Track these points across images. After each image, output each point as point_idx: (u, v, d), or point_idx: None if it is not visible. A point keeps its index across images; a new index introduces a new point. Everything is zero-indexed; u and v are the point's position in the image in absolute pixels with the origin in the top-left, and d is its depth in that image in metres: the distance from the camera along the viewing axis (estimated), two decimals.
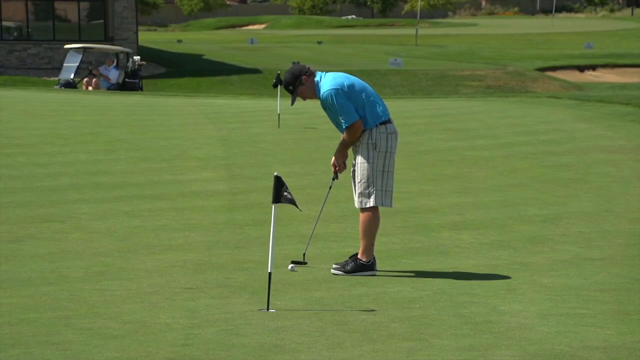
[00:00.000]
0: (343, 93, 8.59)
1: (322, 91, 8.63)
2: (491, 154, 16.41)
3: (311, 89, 8.70)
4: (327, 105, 8.65)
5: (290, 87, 8.71)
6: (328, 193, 9.09)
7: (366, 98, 8.67)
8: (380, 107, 8.72)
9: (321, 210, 9.19)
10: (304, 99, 8.81)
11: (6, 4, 40.06)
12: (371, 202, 8.70)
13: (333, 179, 8.94)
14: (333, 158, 8.86)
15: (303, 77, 8.68)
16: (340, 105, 8.56)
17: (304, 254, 8.81)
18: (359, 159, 8.71)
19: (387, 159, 8.72)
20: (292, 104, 8.88)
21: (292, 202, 7.50)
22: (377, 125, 8.68)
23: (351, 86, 8.66)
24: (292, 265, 8.14)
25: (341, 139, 8.80)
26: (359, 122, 8.59)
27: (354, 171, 8.79)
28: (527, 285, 8.35)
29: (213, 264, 8.99)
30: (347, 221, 10.96)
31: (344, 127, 8.61)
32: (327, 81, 8.66)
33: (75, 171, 14.14)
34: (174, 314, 7.21)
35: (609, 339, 6.69)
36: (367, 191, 8.69)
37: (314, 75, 8.72)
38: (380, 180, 8.70)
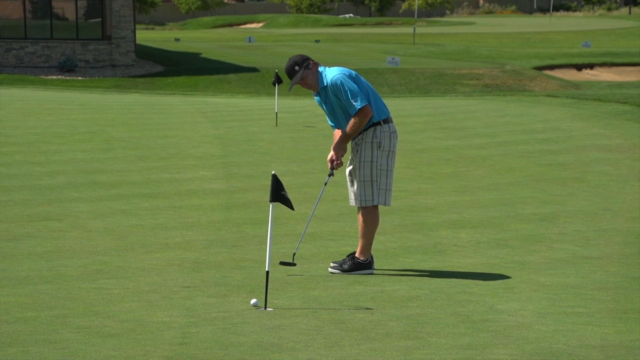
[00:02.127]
0: (351, 79, 8.60)
1: (329, 77, 8.58)
2: (489, 153, 16.42)
3: (315, 76, 8.66)
4: (334, 91, 8.57)
5: (297, 67, 8.65)
6: (323, 190, 9.05)
7: (371, 91, 8.69)
8: (383, 103, 8.74)
9: (315, 207, 9.17)
10: (304, 84, 8.70)
11: (4, 2, 40.03)
12: (374, 201, 8.69)
13: (329, 175, 8.88)
14: (330, 153, 8.79)
15: (310, 62, 8.67)
16: (351, 90, 8.53)
17: (293, 254, 8.78)
18: (362, 158, 8.68)
19: (389, 158, 8.72)
20: (290, 89, 8.84)
21: (287, 201, 7.50)
22: (381, 123, 8.67)
23: (357, 76, 8.69)
24: (255, 300, 7.50)
25: (342, 132, 8.73)
26: (369, 106, 8.56)
27: (352, 170, 8.77)
28: (525, 284, 8.35)
29: (211, 263, 8.99)
30: (345, 220, 10.96)
31: (355, 110, 8.52)
32: (333, 70, 8.68)
33: (72, 170, 14.13)
34: (172, 313, 7.21)
35: (607, 338, 6.69)
36: (369, 190, 8.68)
37: (319, 66, 8.73)
38: (383, 179, 8.69)
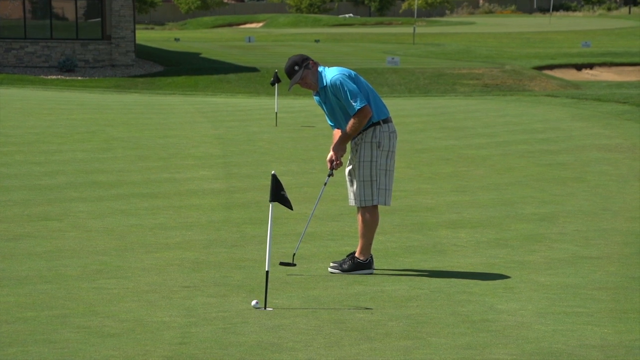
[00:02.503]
0: (351, 79, 8.60)
1: (329, 77, 8.58)
2: (488, 153, 16.42)
3: (315, 76, 8.66)
4: (334, 91, 8.57)
5: (296, 67, 8.64)
6: (323, 190, 9.05)
7: (370, 91, 8.69)
8: (382, 103, 8.74)
9: (314, 208, 9.17)
10: (304, 84, 8.70)
11: (4, 2, 40.02)
12: (374, 201, 8.69)
13: (329, 176, 8.87)
14: (329, 153, 8.79)
15: (310, 62, 8.67)
16: (350, 90, 8.53)
17: (293, 255, 8.78)
18: (362, 158, 8.68)
19: (389, 158, 8.72)
20: (290, 88, 8.85)
21: (286, 201, 7.50)
22: (380, 123, 8.67)
23: (357, 76, 8.69)
24: (255, 301, 7.45)
25: (342, 132, 8.73)
26: (368, 107, 8.56)
27: (351, 169, 8.77)
28: (524, 284, 8.35)
29: (210, 263, 8.99)
30: (344, 219, 10.96)
31: (355, 110, 8.51)
32: (333, 70, 8.67)
33: (72, 169, 14.13)
34: (171, 313, 7.21)
35: (606, 338, 6.69)
36: (369, 190, 8.68)
37: (318, 65, 8.73)
38: (383, 178, 8.69)
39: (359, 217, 8.76)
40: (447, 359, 6.17)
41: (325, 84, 8.62)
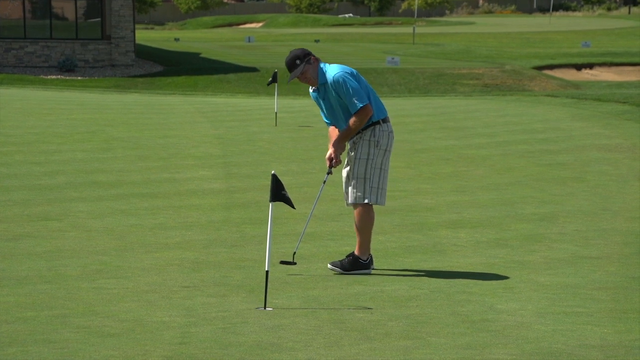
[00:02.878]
0: (353, 77, 8.60)
1: (331, 74, 8.57)
2: (488, 153, 16.42)
3: (315, 72, 8.66)
4: (336, 88, 8.56)
5: (298, 61, 8.63)
6: (322, 189, 9.04)
7: (370, 91, 8.70)
8: (381, 103, 8.75)
9: (314, 207, 9.16)
10: (303, 79, 8.67)
11: (3, 2, 40.02)
12: (366, 199, 8.69)
13: (328, 174, 8.86)
14: (329, 151, 8.77)
15: (312, 57, 8.67)
16: (353, 88, 8.53)
17: (294, 254, 8.78)
18: (359, 155, 8.68)
19: (385, 158, 8.72)
20: (289, 81, 8.86)
21: (288, 200, 7.50)
22: (380, 123, 8.68)
23: (358, 75, 8.70)
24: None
25: (342, 130, 8.72)
26: (370, 105, 8.56)
27: (348, 168, 8.76)
28: (524, 284, 8.35)
29: (210, 263, 8.99)
30: (344, 219, 10.96)
31: (357, 108, 8.51)
32: (334, 67, 8.66)
33: (72, 169, 14.13)
34: (171, 313, 7.21)
35: (606, 338, 6.69)
36: (362, 188, 8.68)
37: (319, 62, 8.73)
38: (377, 177, 8.69)
39: (354, 215, 8.76)
40: (447, 359, 6.18)
41: (325, 80, 8.62)
